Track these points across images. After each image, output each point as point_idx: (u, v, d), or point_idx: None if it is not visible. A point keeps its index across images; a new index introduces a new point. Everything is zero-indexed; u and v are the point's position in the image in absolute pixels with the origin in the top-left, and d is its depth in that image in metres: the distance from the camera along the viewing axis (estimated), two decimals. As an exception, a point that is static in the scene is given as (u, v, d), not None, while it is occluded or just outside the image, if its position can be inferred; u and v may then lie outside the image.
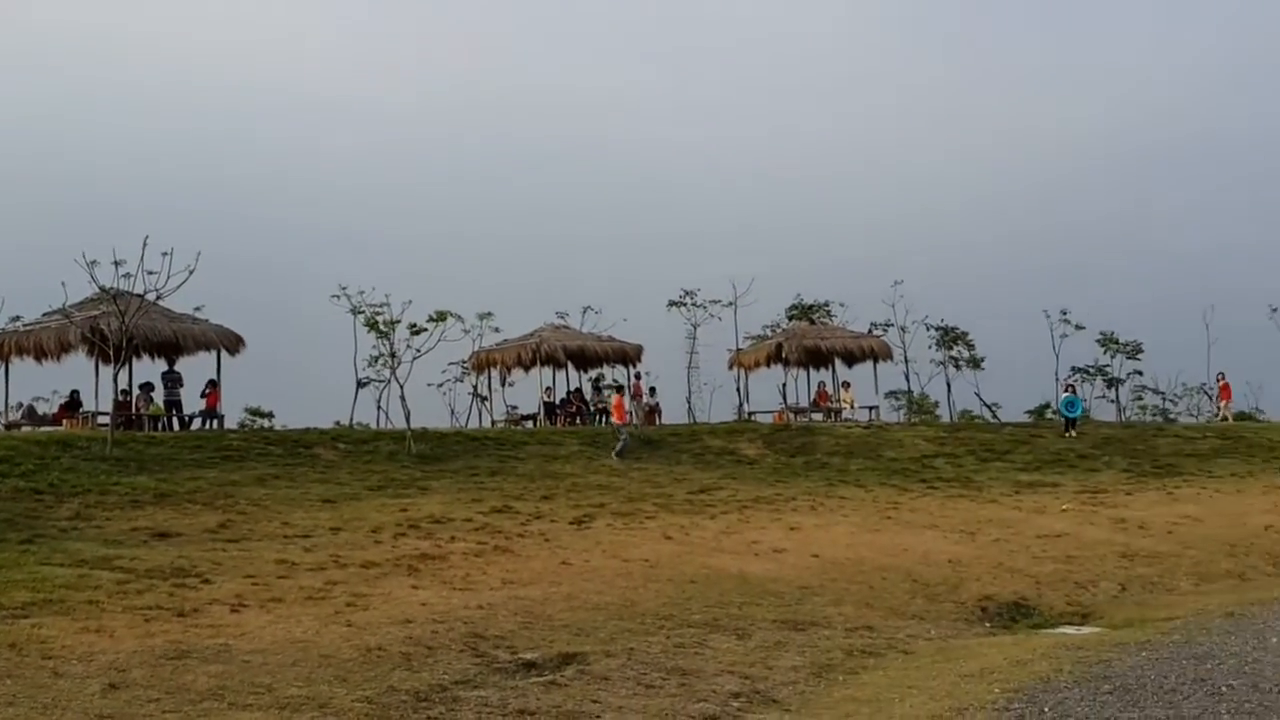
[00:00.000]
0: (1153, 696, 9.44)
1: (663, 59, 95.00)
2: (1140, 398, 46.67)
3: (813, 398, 38.61)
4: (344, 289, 30.04)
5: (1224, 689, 9.60)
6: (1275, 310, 46.15)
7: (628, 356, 36.68)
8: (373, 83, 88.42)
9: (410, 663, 10.45)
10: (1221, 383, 39.91)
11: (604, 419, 34.86)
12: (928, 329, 44.76)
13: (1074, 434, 30.75)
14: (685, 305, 41.88)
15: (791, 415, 36.68)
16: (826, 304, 45.87)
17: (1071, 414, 31.61)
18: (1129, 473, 26.88)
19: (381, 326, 28.45)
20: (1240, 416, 45.19)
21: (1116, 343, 44.22)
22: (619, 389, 31.69)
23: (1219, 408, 40.09)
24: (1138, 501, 23.48)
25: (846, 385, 38.20)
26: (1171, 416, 42.36)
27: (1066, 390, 34.48)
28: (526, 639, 11.79)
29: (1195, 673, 10.35)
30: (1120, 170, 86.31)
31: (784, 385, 39.76)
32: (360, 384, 34.65)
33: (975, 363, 45.02)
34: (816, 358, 38.24)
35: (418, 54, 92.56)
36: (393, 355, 28.76)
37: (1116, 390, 45.21)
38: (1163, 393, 46.26)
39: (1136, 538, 20.09)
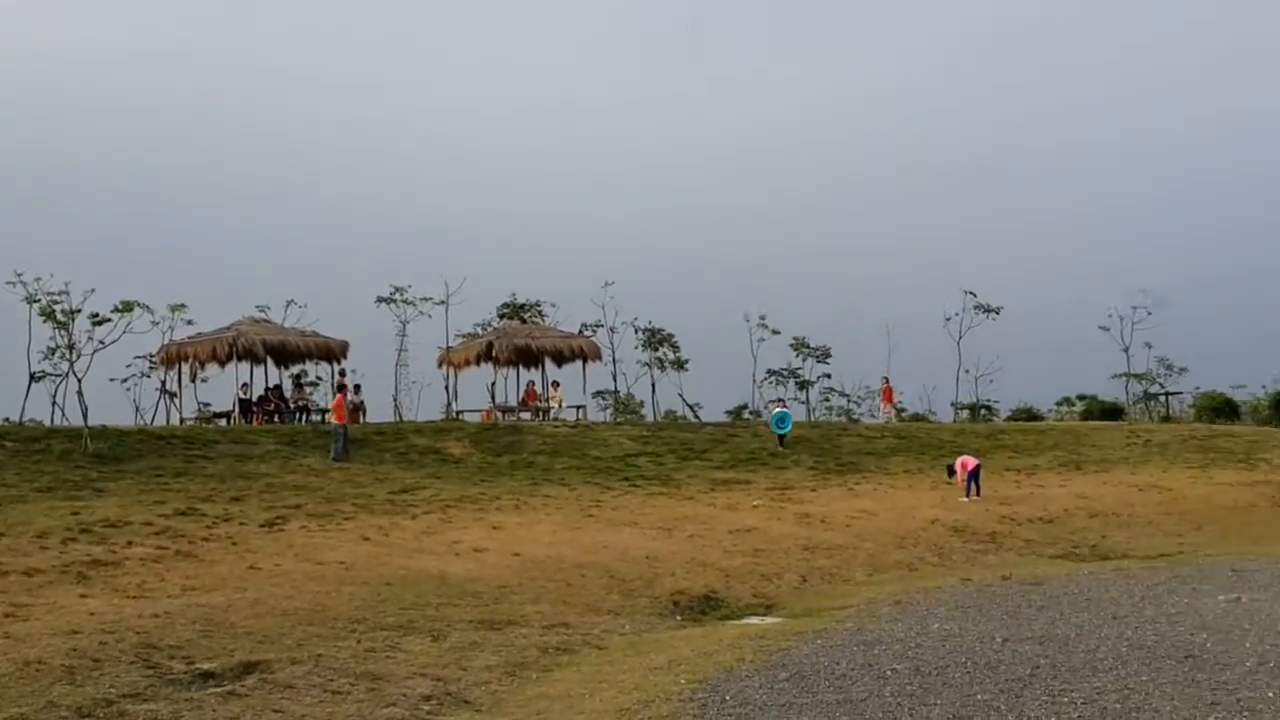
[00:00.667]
0: (825, 681, 9.97)
1: (369, 47, 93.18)
2: (827, 399, 49.46)
3: (521, 396, 38.68)
4: (19, 275, 27.74)
5: (889, 673, 10.25)
6: (948, 319, 49.97)
7: (332, 353, 35.53)
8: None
9: (73, 676, 9.74)
10: (884, 386, 42.19)
11: (304, 417, 33.72)
12: (635, 330, 45.82)
13: (784, 447, 30.63)
14: (395, 302, 41.16)
15: (500, 414, 36.64)
16: (538, 303, 46.17)
17: (782, 429, 31.30)
18: (815, 470, 28.32)
19: (60, 316, 26.39)
20: (914, 418, 48.56)
21: (808, 347, 46.67)
22: (339, 389, 30.55)
23: (882, 409, 42.23)
24: (821, 497, 24.80)
25: (556, 384, 38.48)
26: (855, 417, 44.96)
27: (777, 405, 34.66)
28: (205, 648, 11.23)
29: (864, 658, 11.01)
30: (817, 179, 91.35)
31: (493, 384, 39.69)
32: (34, 378, 32.15)
33: (679, 364, 46.42)
34: (527, 357, 38.26)
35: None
36: (71, 347, 26.76)
37: (807, 392, 47.72)
38: (848, 395, 49.22)
39: (819, 531, 21.22)
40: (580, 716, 9.25)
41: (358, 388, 36.46)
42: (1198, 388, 53.42)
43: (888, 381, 42.12)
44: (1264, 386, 52.34)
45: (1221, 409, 48.93)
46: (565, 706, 9.64)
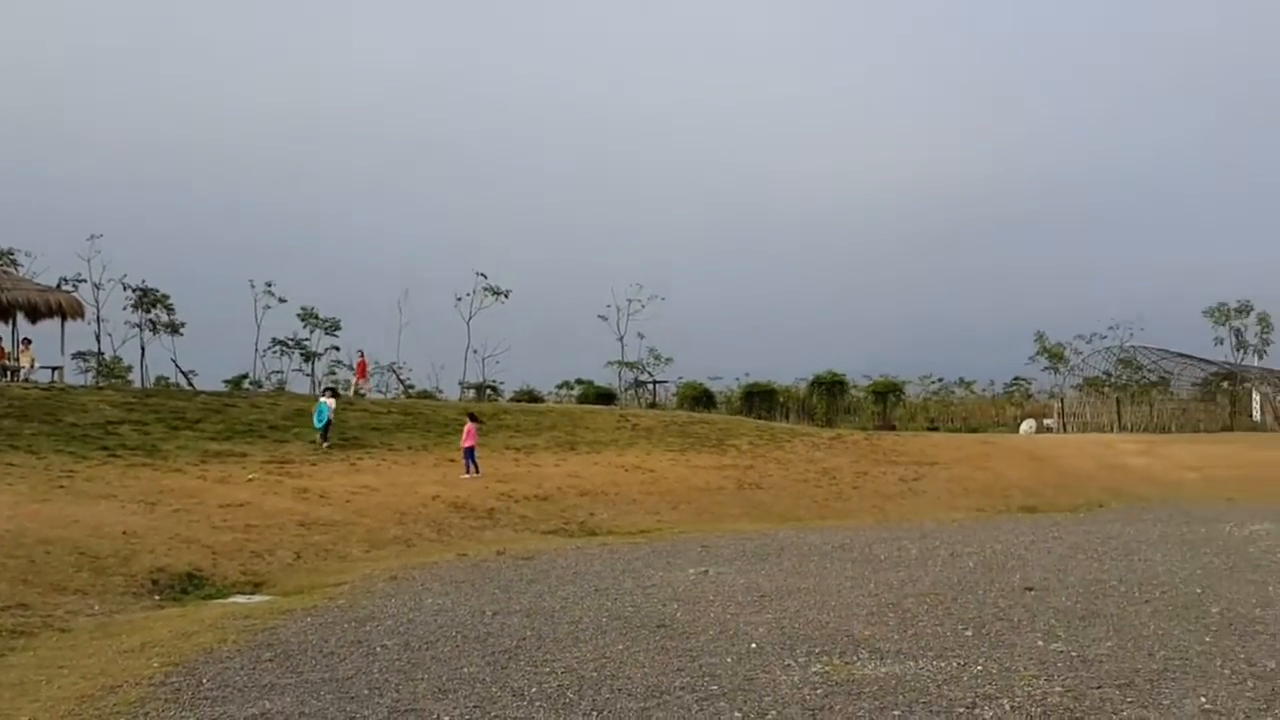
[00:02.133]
0: (312, 660, 9.68)
1: None
2: (333, 373, 48.63)
3: (-14, 354, 34.60)
4: None
5: (379, 649, 10.14)
6: (460, 299, 50.82)
7: None
8: None
9: None
10: (360, 360, 41.75)
11: None
12: (125, 289, 42.57)
13: (327, 444, 27.59)
14: None
15: (-45, 372, 32.56)
16: (10, 251, 41.73)
17: (320, 423, 28.11)
18: (316, 444, 27.60)
19: None
20: (422, 395, 48.93)
21: (317, 318, 45.60)
22: None
23: (355, 383, 41.66)
24: (322, 472, 24.22)
25: (27, 342, 34.78)
26: (362, 392, 44.48)
27: (324, 394, 31.48)
28: None
29: (355, 635, 10.82)
30: (331, 142, 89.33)
31: (-49, 338, 35.22)
32: None
33: (174, 327, 43.71)
34: (-6, 310, 34.31)
35: None
36: None
37: (313, 364, 46.63)
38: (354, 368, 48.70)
39: (317, 507, 20.69)
40: (34, 705, 8.32)
41: None
42: (681, 377, 58.20)
43: (362, 355, 41.75)
44: (737, 379, 57.97)
45: (700, 398, 53.52)
46: (17, 694, 8.66)
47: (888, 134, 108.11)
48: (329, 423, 27.94)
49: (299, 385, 44.89)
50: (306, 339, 46.97)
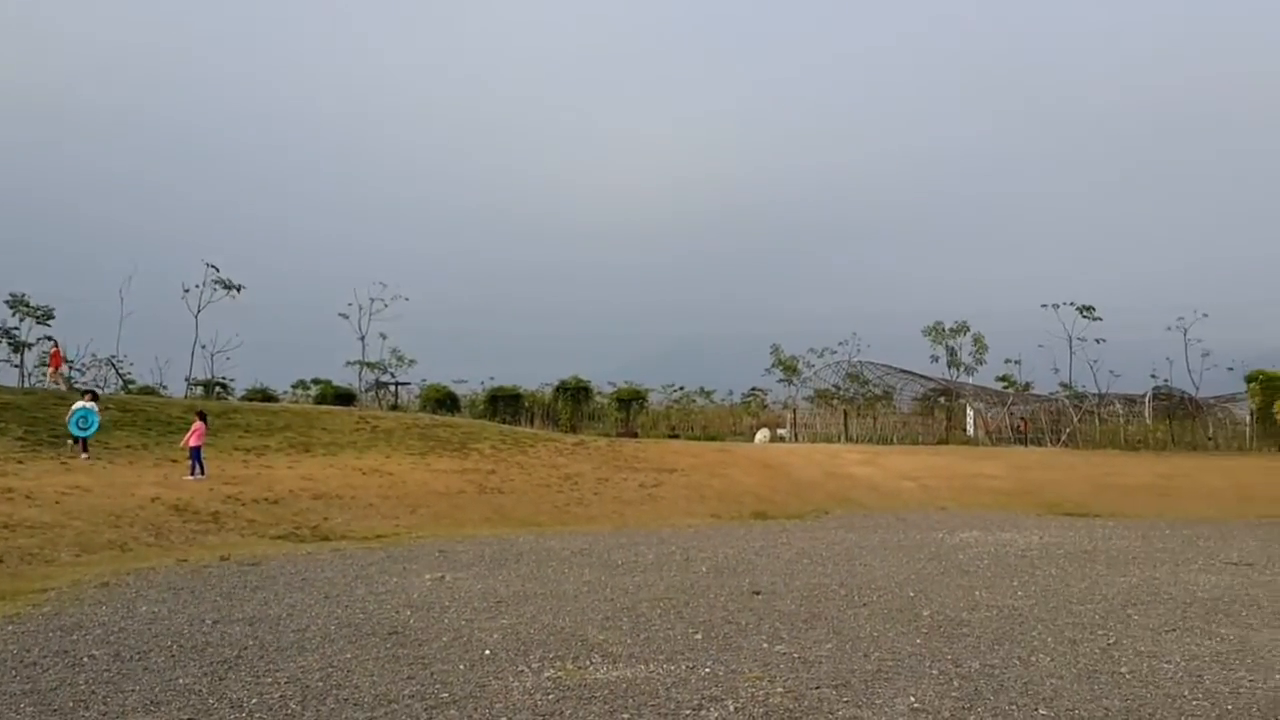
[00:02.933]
0: (12, 671, 9.00)
1: None
2: (44, 364, 45.57)
3: None
4: None
5: (86, 659, 9.50)
6: (188, 291, 48.46)
7: None
8: None
9: None
10: (53, 350, 38.97)
11: None
12: None
13: (87, 455, 24.87)
14: None
15: None
16: None
17: (85, 431, 25.32)
18: (25, 441, 25.70)
19: None
20: (144, 390, 46.39)
21: (27, 305, 42.56)
22: None
23: (49, 375, 38.81)
24: (29, 470, 22.51)
25: None
26: (78, 386, 41.85)
27: (86, 398, 26.94)
28: None
29: (60, 644, 10.11)
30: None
31: None
32: None
33: None
34: None
35: None
36: None
37: (23, 354, 43.53)
38: (70, 361, 45.69)
39: (21, 508, 19.19)
40: None
41: None
42: (424, 380, 57.44)
43: (57, 345, 39.12)
44: (482, 383, 57.72)
45: (444, 400, 52.96)
46: None
47: (644, 161, 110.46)
48: (92, 434, 25.72)
49: (6, 377, 41.66)
50: (16, 328, 43.66)
